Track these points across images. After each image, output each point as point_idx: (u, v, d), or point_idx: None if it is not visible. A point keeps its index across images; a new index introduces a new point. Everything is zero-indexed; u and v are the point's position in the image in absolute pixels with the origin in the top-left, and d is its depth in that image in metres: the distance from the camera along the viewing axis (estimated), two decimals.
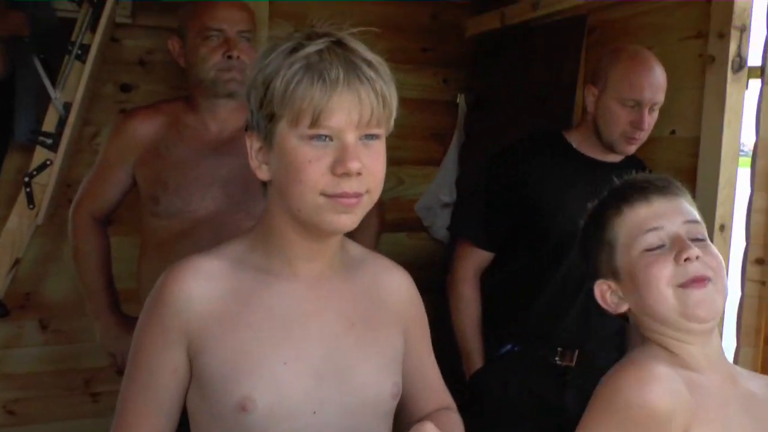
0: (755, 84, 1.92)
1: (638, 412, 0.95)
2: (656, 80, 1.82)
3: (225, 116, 1.81)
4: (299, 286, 1.04)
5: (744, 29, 1.88)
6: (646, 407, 0.95)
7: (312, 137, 0.93)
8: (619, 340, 1.91)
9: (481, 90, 2.93)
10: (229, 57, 1.73)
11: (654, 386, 0.97)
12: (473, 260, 2.01)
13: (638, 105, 1.80)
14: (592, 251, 1.13)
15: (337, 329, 1.04)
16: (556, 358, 1.90)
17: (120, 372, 1.90)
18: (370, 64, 0.95)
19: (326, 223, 0.96)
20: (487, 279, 2.03)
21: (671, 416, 0.96)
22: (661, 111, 2.05)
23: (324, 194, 0.94)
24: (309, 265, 1.05)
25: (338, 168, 0.92)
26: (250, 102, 0.99)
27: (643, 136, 1.84)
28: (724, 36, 1.88)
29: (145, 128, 1.83)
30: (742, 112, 1.91)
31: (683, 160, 2.02)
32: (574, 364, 1.90)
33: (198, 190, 1.75)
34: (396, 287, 1.15)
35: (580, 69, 2.40)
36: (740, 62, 1.87)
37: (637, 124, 1.81)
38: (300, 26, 2.59)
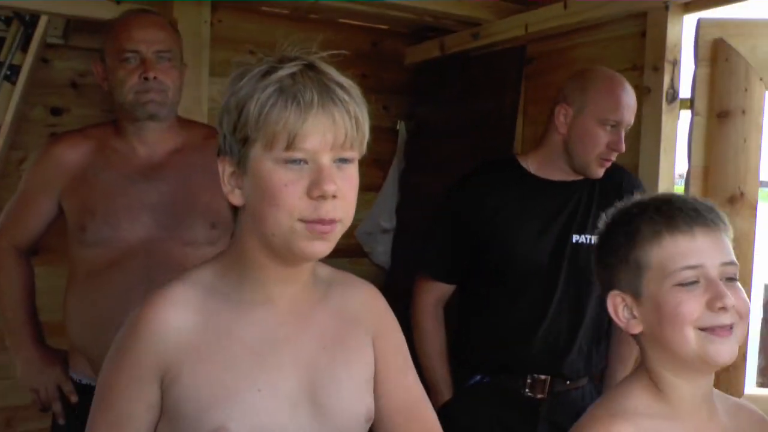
0: (685, 114, 2.00)
1: None
2: (633, 102, 1.81)
3: (153, 140, 1.76)
4: (272, 311, 1.02)
5: (675, 63, 1.96)
6: None
7: (287, 161, 0.92)
8: (590, 365, 1.91)
9: (422, 117, 2.96)
10: (146, 78, 1.67)
11: None
12: (434, 293, 1.98)
13: (617, 126, 1.77)
14: (614, 261, 1.08)
15: (310, 354, 1.03)
16: (526, 390, 1.85)
17: (44, 409, 1.81)
18: (342, 86, 0.94)
19: (300, 250, 0.94)
20: (453, 308, 2.01)
21: None
22: None
23: (301, 220, 0.92)
24: (282, 290, 1.02)
25: (314, 190, 0.91)
26: (223, 126, 0.96)
27: (614, 158, 1.83)
28: (658, 69, 1.96)
29: (72, 154, 1.76)
30: (676, 141, 1.98)
31: None
32: (546, 395, 1.85)
33: (127, 217, 1.69)
34: (362, 301, 1.13)
35: (520, 98, 2.43)
36: (673, 94, 1.95)
37: (614, 146, 1.78)
38: (240, 50, 2.59)
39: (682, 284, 0.98)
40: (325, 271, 1.12)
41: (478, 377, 1.90)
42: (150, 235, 1.68)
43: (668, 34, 1.93)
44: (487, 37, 2.50)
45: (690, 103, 1.98)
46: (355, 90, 0.96)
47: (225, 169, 0.98)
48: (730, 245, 1.03)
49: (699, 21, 1.98)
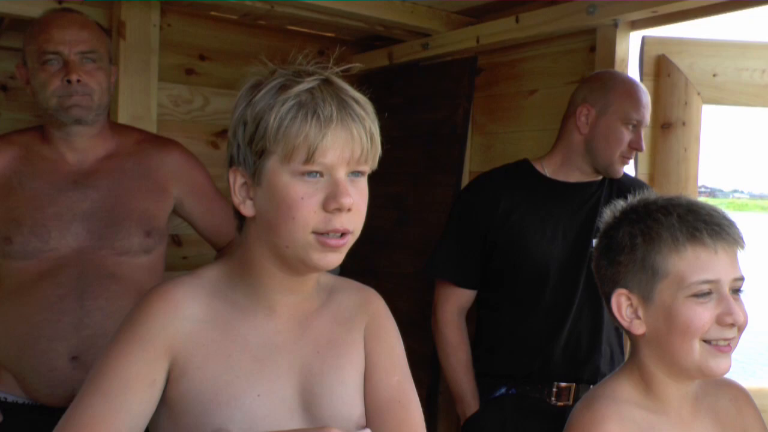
0: None
1: None
2: (649, 103, 1.85)
3: (83, 146, 1.69)
4: (272, 318, 1.04)
5: None
6: None
7: (304, 173, 0.94)
8: (614, 369, 1.89)
9: None
10: (69, 82, 1.60)
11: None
12: (455, 301, 1.95)
13: (638, 125, 1.82)
14: (625, 260, 1.09)
15: (305, 361, 1.05)
16: (553, 398, 1.85)
17: None
18: (358, 102, 0.97)
19: (313, 261, 0.96)
20: (478, 318, 1.99)
21: None
22: (550, 146, 2.21)
23: (315, 232, 0.94)
24: (286, 299, 1.05)
25: (331, 204, 0.93)
26: (237, 137, 0.98)
27: (632, 156, 1.87)
28: None
29: None
30: None
31: None
32: (571, 402, 1.83)
33: (57, 227, 1.62)
34: (358, 303, 1.14)
35: (472, 108, 2.51)
36: None
37: (635, 145, 1.82)
38: (191, 55, 2.54)
39: (696, 296, 1.02)
40: (328, 279, 1.14)
41: (503, 389, 1.89)
42: (82, 245, 1.63)
43: (617, 49, 2.05)
44: (437, 48, 2.56)
45: None
46: (369, 106, 1.00)
47: (236, 180, 0.99)
48: (740, 258, 1.06)
49: (643, 38, 2.11)
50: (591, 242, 1.84)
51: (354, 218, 0.96)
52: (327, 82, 0.96)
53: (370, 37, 2.93)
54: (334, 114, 0.93)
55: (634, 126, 1.82)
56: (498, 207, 1.89)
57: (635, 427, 1.06)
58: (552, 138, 2.28)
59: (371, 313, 1.15)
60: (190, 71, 2.53)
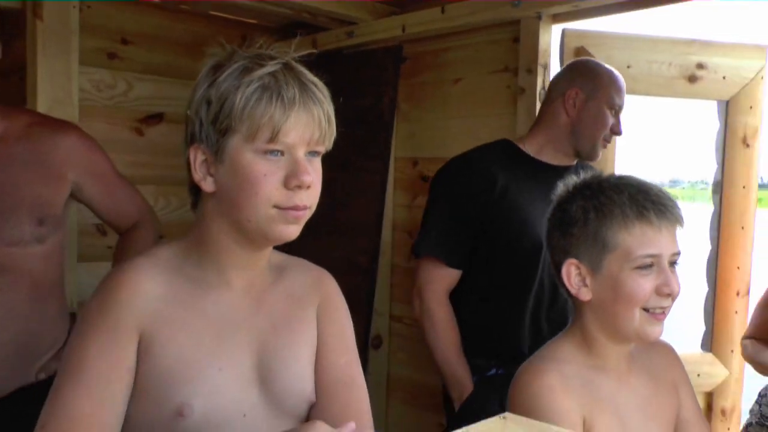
0: None
1: (541, 414, 1.08)
2: None
3: None
4: (229, 294, 1.07)
5: (546, 66, 2.18)
6: (548, 410, 1.09)
7: (267, 152, 0.98)
8: None
9: None
10: None
11: (553, 392, 1.13)
12: (442, 281, 1.92)
13: (619, 110, 1.89)
14: (578, 233, 1.17)
15: (262, 336, 1.09)
16: None
17: None
18: (317, 86, 1.03)
19: (276, 233, 1.01)
20: (459, 300, 1.96)
21: (569, 412, 1.11)
22: (475, 133, 2.31)
23: (277, 207, 0.99)
24: (241, 274, 1.08)
25: (292, 181, 0.99)
26: (200, 115, 1.01)
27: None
28: (531, 71, 2.18)
29: None
30: None
31: None
32: None
33: None
34: (311, 282, 1.19)
35: (398, 97, 2.57)
36: (545, 94, 2.16)
37: (616, 129, 1.90)
38: (112, 39, 2.46)
39: (640, 268, 1.11)
40: (279, 257, 1.18)
41: (493, 370, 1.89)
42: None
43: (540, 41, 2.16)
44: (362, 36, 2.60)
45: None
46: (326, 90, 1.05)
47: (197, 157, 1.02)
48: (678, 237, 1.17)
49: (563, 31, 2.24)
50: None
51: (312, 195, 1.02)
52: (288, 66, 1.01)
53: (293, 24, 2.92)
54: (297, 97, 0.98)
55: (616, 111, 1.90)
56: (496, 183, 1.88)
57: (575, 382, 1.15)
58: (478, 125, 2.38)
59: (323, 293, 1.19)
60: (112, 55, 2.46)
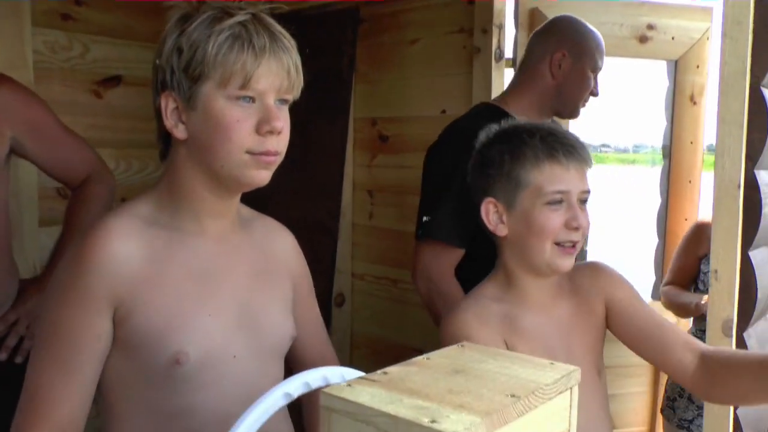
0: (509, 72, 2.29)
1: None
2: None
3: None
4: (209, 242, 1.10)
5: (501, 27, 2.23)
6: (463, 338, 1.13)
7: (239, 98, 1.01)
8: None
9: None
10: None
11: (470, 325, 1.21)
12: (448, 261, 1.82)
13: (598, 72, 1.91)
14: (495, 173, 1.25)
15: (243, 281, 1.13)
16: None
17: None
18: (285, 36, 1.06)
19: (248, 178, 1.04)
20: (459, 275, 1.84)
21: (487, 341, 1.17)
22: (433, 92, 2.35)
23: (249, 152, 1.02)
24: (216, 222, 1.11)
25: (264, 126, 1.02)
26: (171, 63, 1.03)
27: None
28: (487, 32, 2.22)
29: None
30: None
31: None
32: None
33: None
34: (283, 244, 1.25)
35: (356, 58, 2.59)
36: (500, 53, 2.22)
37: (595, 91, 1.92)
38: (68, 1, 2.40)
39: (550, 203, 1.21)
40: (246, 210, 1.22)
41: None
42: None
43: (495, 2, 2.20)
44: None
45: (513, 62, 2.29)
46: (293, 41, 1.08)
47: (168, 105, 1.04)
48: (588, 177, 1.26)
49: None
50: None
51: (282, 141, 1.05)
52: (257, 17, 1.04)
53: None
54: (267, 45, 1.01)
55: (596, 73, 1.93)
56: None
57: (494, 319, 1.24)
58: (435, 84, 2.41)
59: (295, 257, 1.27)
60: (66, 17, 2.41)
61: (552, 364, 0.77)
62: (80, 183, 1.76)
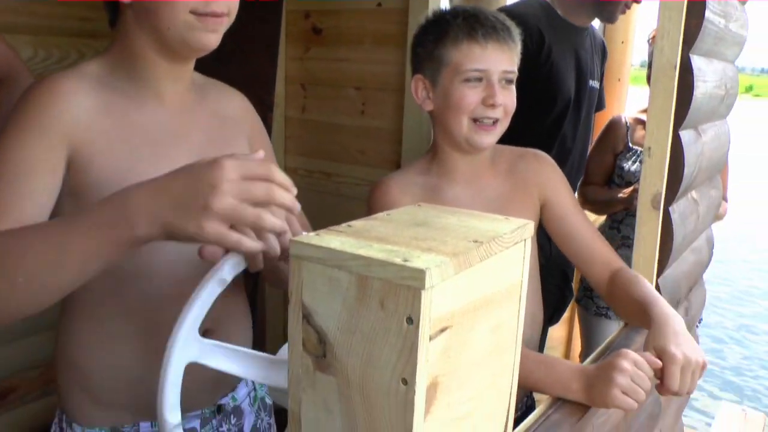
0: None
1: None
2: None
3: None
4: (164, 109, 1.09)
5: None
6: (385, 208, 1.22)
7: None
8: None
9: None
10: None
11: (389, 195, 1.30)
12: None
13: None
14: (423, 53, 1.31)
15: (200, 146, 1.12)
16: None
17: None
18: None
19: (195, 40, 1.01)
20: None
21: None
22: None
23: (194, 12, 0.99)
24: (170, 88, 1.09)
25: None
26: None
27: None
28: None
29: None
30: None
31: (390, 27, 2.30)
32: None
33: None
34: (238, 106, 1.24)
35: None
36: None
37: None
38: None
39: (468, 80, 1.25)
40: (197, 76, 1.20)
41: None
42: None
43: None
44: None
45: None
46: None
47: None
48: (516, 58, 1.30)
49: None
50: (588, 84, 2.06)
51: (231, 4, 1.03)
52: None
53: None
54: None
55: None
56: (544, 43, 1.94)
57: (417, 189, 1.31)
58: None
59: (250, 116, 1.27)
60: None
61: (506, 218, 0.81)
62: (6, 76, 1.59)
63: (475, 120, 1.26)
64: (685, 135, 1.42)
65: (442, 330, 0.65)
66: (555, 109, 2.02)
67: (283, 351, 0.94)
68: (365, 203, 1.34)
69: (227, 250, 0.84)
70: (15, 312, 0.85)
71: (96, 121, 1.01)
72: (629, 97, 3.09)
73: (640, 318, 1.20)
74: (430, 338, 0.63)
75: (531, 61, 1.85)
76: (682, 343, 1.06)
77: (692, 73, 1.38)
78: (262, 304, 2.72)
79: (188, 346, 0.82)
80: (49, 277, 0.83)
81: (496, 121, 1.27)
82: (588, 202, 2.56)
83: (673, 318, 1.13)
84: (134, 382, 1.07)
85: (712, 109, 1.61)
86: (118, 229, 0.80)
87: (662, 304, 1.17)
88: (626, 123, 2.50)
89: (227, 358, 0.87)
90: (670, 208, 1.42)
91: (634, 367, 1.03)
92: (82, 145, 0.99)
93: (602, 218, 2.72)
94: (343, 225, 0.73)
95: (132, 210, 0.80)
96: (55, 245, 0.82)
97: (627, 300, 1.26)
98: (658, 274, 1.44)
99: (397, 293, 0.61)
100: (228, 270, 0.84)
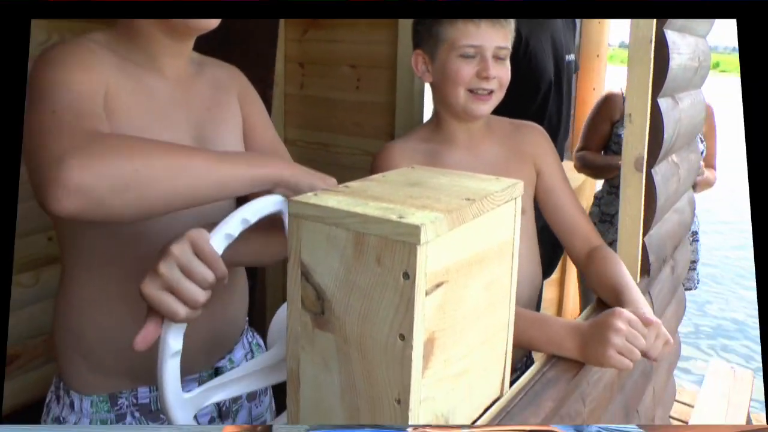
0: None
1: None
2: None
3: None
4: (163, 79, 1.09)
5: None
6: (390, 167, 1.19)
7: None
8: None
9: None
10: None
11: (392, 156, 1.34)
12: None
13: None
14: (422, 30, 1.36)
15: (198, 116, 1.14)
16: None
17: None
18: None
19: (196, 20, 1.02)
20: None
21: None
22: None
23: None
24: (171, 63, 1.10)
25: None
26: None
27: None
28: None
29: None
30: None
31: None
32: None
33: None
34: (228, 74, 1.25)
35: None
36: None
37: None
38: None
39: (463, 56, 1.30)
40: (195, 54, 1.21)
41: None
42: None
43: None
44: None
45: None
46: None
47: None
48: (510, 35, 1.34)
49: None
50: (565, 58, 2.08)
51: None
52: None
53: None
54: None
55: None
56: (521, 38, 1.94)
57: (418, 156, 1.36)
58: None
59: (240, 82, 1.27)
60: None
61: (497, 178, 0.82)
62: None
63: (471, 91, 1.32)
64: (663, 103, 1.46)
65: (438, 285, 0.66)
66: (539, 96, 2.05)
67: (279, 330, 0.96)
68: (367, 170, 1.36)
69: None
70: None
71: (119, 78, 1.02)
72: (608, 75, 3.21)
73: (612, 298, 1.25)
74: (426, 293, 0.64)
75: (510, 58, 1.89)
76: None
77: (667, 47, 1.43)
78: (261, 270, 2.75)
79: (183, 408, 0.83)
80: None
81: (491, 92, 1.32)
82: (586, 167, 2.62)
83: (644, 303, 1.19)
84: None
85: (687, 79, 1.67)
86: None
87: (636, 290, 1.23)
88: (623, 94, 2.55)
89: (224, 389, 0.89)
90: (653, 171, 1.45)
91: (628, 326, 1.04)
92: (108, 98, 0.99)
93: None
94: (341, 185, 0.74)
95: None
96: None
97: (602, 278, 1.31)
98: (644, 234, 1.47)
99: (393, 249, 0.63)
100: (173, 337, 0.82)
